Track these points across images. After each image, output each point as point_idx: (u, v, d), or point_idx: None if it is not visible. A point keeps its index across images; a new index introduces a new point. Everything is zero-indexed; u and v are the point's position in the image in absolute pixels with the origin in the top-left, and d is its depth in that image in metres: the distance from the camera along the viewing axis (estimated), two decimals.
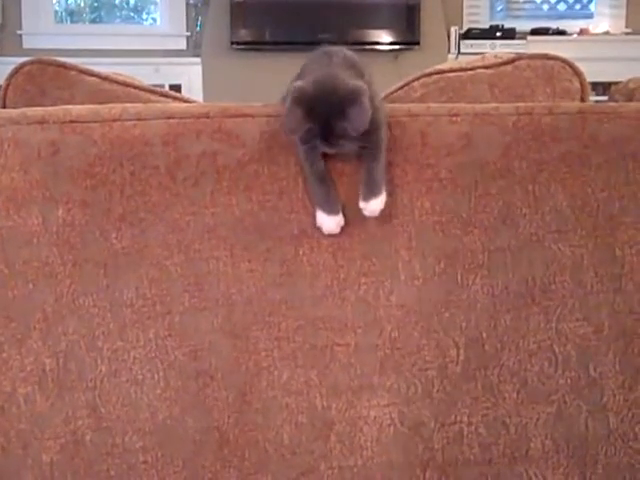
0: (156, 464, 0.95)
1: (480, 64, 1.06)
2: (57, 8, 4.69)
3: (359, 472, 0.96)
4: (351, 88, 0.86)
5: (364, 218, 0.90)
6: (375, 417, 0.95)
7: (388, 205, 0.91)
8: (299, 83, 0.87)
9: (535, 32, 4.61)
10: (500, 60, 1.05)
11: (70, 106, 0.92)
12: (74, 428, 0.94)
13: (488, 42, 4.47)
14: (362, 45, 4.40)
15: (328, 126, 0.85)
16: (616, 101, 1.11)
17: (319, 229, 0.91)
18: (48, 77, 1.03)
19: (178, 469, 0.95)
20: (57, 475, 0.95)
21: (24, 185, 0.90)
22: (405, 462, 0.96)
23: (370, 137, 0.88)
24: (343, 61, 0.92)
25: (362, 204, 0.89)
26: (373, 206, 0.89)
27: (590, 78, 1.07)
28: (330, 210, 0.90)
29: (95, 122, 0.90)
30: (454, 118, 0.92)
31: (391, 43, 4.45)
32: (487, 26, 4.61)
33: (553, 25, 4.69)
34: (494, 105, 0.95)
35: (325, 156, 0.90)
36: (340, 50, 0.94)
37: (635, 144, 0.93)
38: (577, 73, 1.05)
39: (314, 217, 0.90)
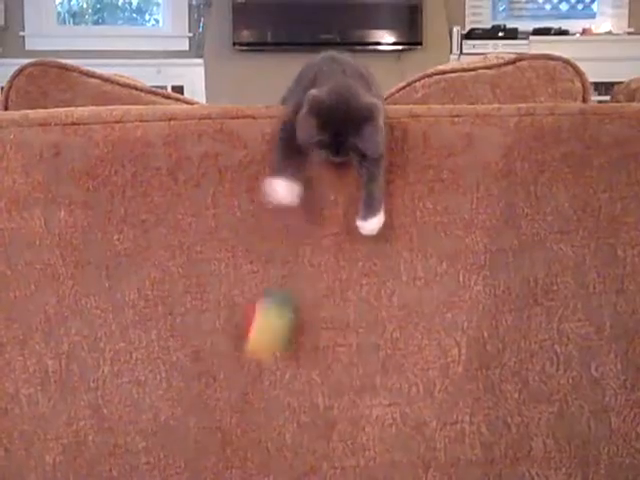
0: (158, 464, 0.95)
1: (482, 65, 1.06)
2: (60, 9, 4.70)
3: (361, 472, 0.96)
4: (368, 106, 0.84)
5: None
6: (377, 417, 0.95)
7: (390, 206, 0.91)
8: (315, 92, 0.84)
9: (537, 32, 4.60)
10: (502, 61, 1.05)
11: (72, 108, 0.92)
12: (77, 429, 0.94)
13: (490, 42, 4.46)
14: (364, 45, 4.41)
15: (340, 140, 0.84)
16: (618, 101, 1.11)
17: (271, 196, 0.87)
18: (50, 79, 1.03)
19: (180, 470, 0.95)
20: (60, 476, 0.95)
21: (26, 187, 0.90)
22: (407, 462, 0.96)
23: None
24: (354, 72, 0.90)
25: (360, 222, 0.88)
26: (372, 225, 0.88)
27: (592, 78, 1.07)
28: (287, 176, 0.86)
29: (97, 124, 0.90)
30: (456, 119, 0.92)
31: (393, 43, 4.46)
32: (489, 26, 4.62)
33: (555, 25, 4.69)
34: (496, 106, 0.95)
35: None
36: (349, 60, 0.93)
37: (637, 144, 0.93)
38: (579, 73, 1.05)
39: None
